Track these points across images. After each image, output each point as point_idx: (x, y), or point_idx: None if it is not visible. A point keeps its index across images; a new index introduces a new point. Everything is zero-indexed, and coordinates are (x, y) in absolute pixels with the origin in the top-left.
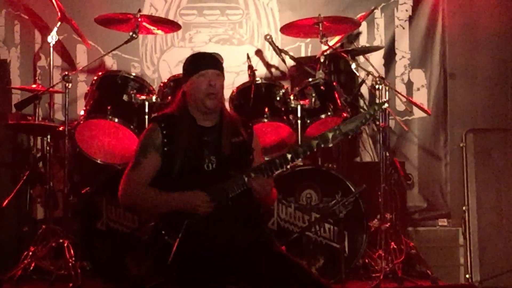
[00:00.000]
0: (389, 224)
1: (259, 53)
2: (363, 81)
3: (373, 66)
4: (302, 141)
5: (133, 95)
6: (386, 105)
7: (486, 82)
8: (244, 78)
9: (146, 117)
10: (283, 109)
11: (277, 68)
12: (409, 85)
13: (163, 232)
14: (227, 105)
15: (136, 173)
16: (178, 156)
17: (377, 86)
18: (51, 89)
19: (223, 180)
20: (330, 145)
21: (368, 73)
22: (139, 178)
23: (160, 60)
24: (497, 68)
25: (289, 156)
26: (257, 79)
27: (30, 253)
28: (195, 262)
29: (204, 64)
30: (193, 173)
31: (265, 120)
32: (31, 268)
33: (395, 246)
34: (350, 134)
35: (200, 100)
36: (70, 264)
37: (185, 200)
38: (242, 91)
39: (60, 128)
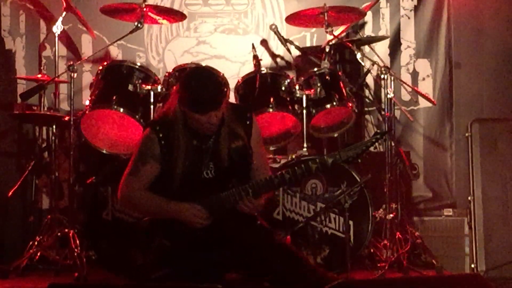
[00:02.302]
0: (394, 214)
1: (264, 43)
2: (368, 71)
3: (378, 56)
4: (300, 163)
5: (138, 85)
6: (386, 135)
7: (491, 71)
8: (250, 68)
9: (152, 106)
10: (288, 99)
11: (282, 58)
12: (414, 75)
13: (158, 233)
14: (232, 95)
15: (134, 180)
16: (177, 165)
17: (382, 76)
18: (56, 79)
19: (222, 188)
20: (328, 168)
21: (374, 63)
22: (138, 184)
23: (165, 50)
24: (502, 58)
25: (287, 176)
26: (262, 69)
27: (36, 243)
28: (191, 260)
29: (206, 108)
30: (192, 181)
31: (271, 110)
32: (37, 258)
33: (400, 236)
34: (349, 161)
35: (197, 129)
36: (76, 253)
37: (182, 212)
38: (248, 81)
39: (66, 118)
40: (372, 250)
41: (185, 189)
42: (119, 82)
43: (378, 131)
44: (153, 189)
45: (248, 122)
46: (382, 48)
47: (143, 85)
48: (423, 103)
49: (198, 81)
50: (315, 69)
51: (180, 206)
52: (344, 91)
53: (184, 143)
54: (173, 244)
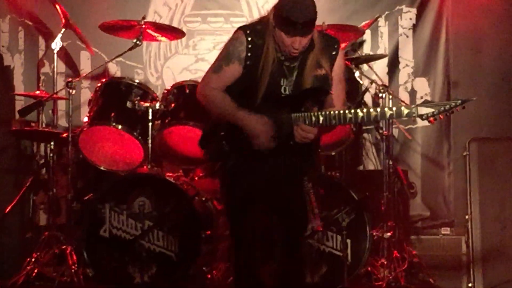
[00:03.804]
0: (392, 232)
1: None
2: (367, 89)
3: (376, 74)
4: (376, 107)
5: (136, 102)
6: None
7: (489, 91)
8: None
9: (150, 124)
10: None
11: None
12: (412, 93)
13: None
14: None
15: (216, 78)
16: (263, 73)
17: (380, 95)
18: (54, 95)
19: (295, 109)
20: (404, 118)
21: (372, 81)
22: (218, 83)
23: (164, 67)
24: (501, 77)
25: (360, 115)
26: None
27: (33, 260)
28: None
29: (293, 31)
30: (270, 93)
31: None
32: (34, 274)
33: (398, 255)
34: (423, 117)
35: (282, 48)
36: (73, 270)
37: (251, 123)
38: None
39: (64, 135)
40: (369, 269)
41: (262, 100)
42: (117, 99)
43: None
44: (230, 91)
45: (334, 53)
46: (380, 67)
47: (142, 102)
48: (421, 122)
49: (295, 3)
50: None
51: (249, 115)
52: None
53: (271, 54)
54: (232, 149)
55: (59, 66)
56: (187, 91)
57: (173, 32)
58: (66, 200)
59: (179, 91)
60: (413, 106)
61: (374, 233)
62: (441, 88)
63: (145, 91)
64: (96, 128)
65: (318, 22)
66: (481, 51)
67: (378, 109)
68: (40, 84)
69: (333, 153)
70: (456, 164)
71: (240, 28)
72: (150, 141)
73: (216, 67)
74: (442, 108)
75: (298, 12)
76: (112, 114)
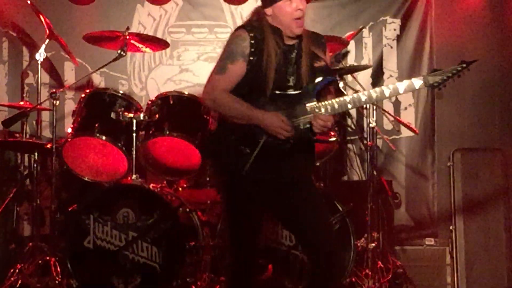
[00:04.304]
0: (376, 243)
1: None
2: None
3: (360, 85)
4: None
5: (120, 112)
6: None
7: (473, 101)
8: None
9: (134, 134)
10: None
11: None
12: (396, 104)
13: (239, 141)
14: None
15: (222, 79)
16: (268, 67)
17: (364, 105)
18: (38, 106)
19: (300, 101)
20: (415, 90)
21: (356, 91)
22: (225, 84)
23: (148, 78)
24: (484, 88)
25: (363, 97)
26: None
27: (17, 271)
28: (260, 179)
29: None
30: (277, 86)
31: None
32: (18, 285)
33: (382, 265)
34: (434, 86)
35: (287, 25)
36: (57, 281)
37: (267, 120)
38: None
39: (48, 146)
40: (353, 279)
41: (272, 94)
42: (101, 109)
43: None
44: (236, 91)
45: (323, 42)
46: (364, 78)
47: (126, 113)
48: (405, 132)
49: None
50: None
51: (265, 114)
52: None
53: (272, 46)
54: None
55: (43, 77)
56: (171, 101)
57: (157, 43)
58: (50, 211)
59: (163, 102)
60: (423, 76)
61: (359, 244)
62: (425, 98)
63: (129, 102)
64: (80, 139)
65: None
66: None
67: (391, 86)
68: (24, 95)
69: (317, 164)
70: (440, 175)
71: (238, 28)
72: (134, 152)
73: (221, 67)
74: (450, 74)
75: None
76: (96, 125)
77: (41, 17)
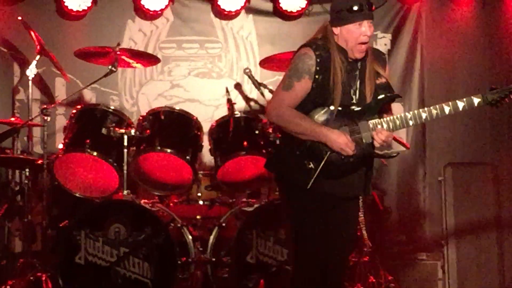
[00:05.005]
0: (367, 257)
1: (238, 86)
2: None
3: None
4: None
5: (112, 128)
6: None
7: (464, 116)
8: (223, 111)
9: (125, 150)
10: (262, 142)
11: (256, 102)
12: None
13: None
14: (205, 138)
15: (288, 96)
16: (334, 87)
17: None
18: (29, 122)
19: (362, 117)
20: (475, 107)
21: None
22: (290, 101)
23: (139, 94)
24: None
25: (423, 114)
26: (236, 112)
27: (8, 287)
28: (323, 193)
29: (363, 15)
30: (340, 105)
31: (244, 154)
32: None
33: (374, 280)
34: (492, 103)
35: (350, 47)
36: None
37: (332, 137)
38: (221, 125)
39: (39, 162)
40: None
41: (335, 114)
42: (92, 125)
43: None
44: (301, 107)
45: (383, 62)
46: None
47: (117, 129)
48: (396, 147)
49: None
50: None
51: (329, 129)
52: None
53: (338, 64)
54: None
55: (34, 92)
56: (162, 117)
57: (148, 59)
58: (41, 227)
59: (154, 118)
60: (482, 94)
61: (350, 258)
62: None
63: (120, 118)
64: (71, 155)
65: (294, 48)
66: (455, 77)
67: (450, 103)
68: (15, 111)
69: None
70: (432, 189)
71: (304, 45)
72: (125, 167)
73: (287, 84)
74: (507, 92)
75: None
76: (87, 140)
77: (32, 33)
